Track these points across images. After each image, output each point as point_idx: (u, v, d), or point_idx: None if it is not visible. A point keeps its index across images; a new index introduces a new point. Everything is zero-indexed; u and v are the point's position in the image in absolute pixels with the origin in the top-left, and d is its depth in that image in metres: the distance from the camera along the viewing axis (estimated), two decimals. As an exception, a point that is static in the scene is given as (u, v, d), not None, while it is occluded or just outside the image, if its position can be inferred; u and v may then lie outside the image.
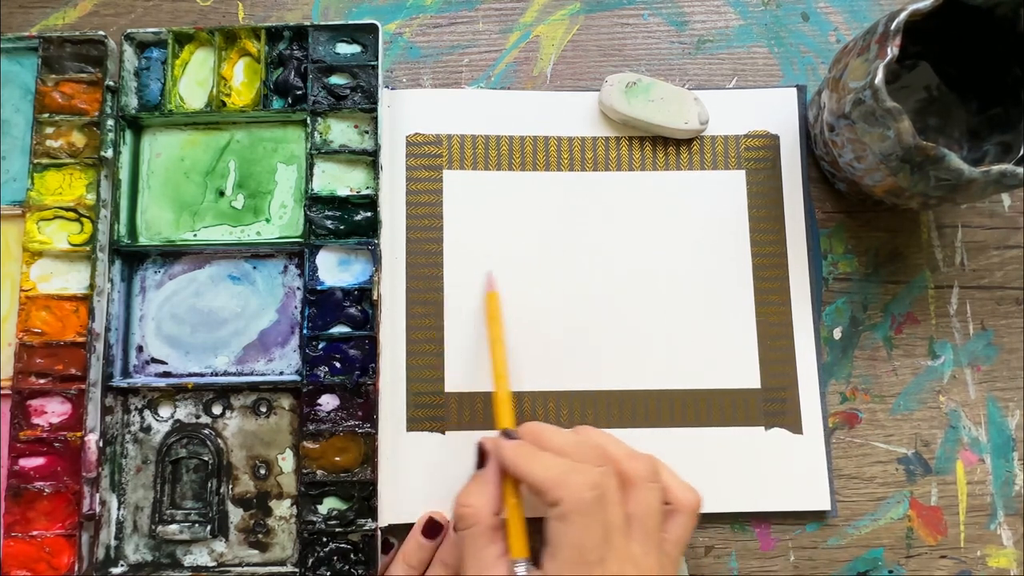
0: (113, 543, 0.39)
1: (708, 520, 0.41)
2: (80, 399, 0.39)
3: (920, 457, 0.42)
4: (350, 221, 0.41)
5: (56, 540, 0.38)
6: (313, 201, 0.41)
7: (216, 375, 0.41)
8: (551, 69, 0.45)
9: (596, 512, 0.30)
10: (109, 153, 0.41)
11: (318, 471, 0.39)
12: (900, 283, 0.43)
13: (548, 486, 0.31)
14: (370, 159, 0.41)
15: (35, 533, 0.38)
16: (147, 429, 0.40)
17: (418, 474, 0.40)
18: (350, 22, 0.42)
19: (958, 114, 0.42)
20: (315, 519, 0.38)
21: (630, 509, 0.31)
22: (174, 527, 0.39)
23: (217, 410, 0.41)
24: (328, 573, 0.38)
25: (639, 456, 0.33)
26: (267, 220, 0.42)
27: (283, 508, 0.40)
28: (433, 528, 0.39)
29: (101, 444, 0.39)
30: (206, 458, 0.40)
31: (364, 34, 0.42)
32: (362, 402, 0.39)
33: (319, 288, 0.40)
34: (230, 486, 0.40)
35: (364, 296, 0.40)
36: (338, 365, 0.40)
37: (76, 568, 0.37)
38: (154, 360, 0.41)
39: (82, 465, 0.38)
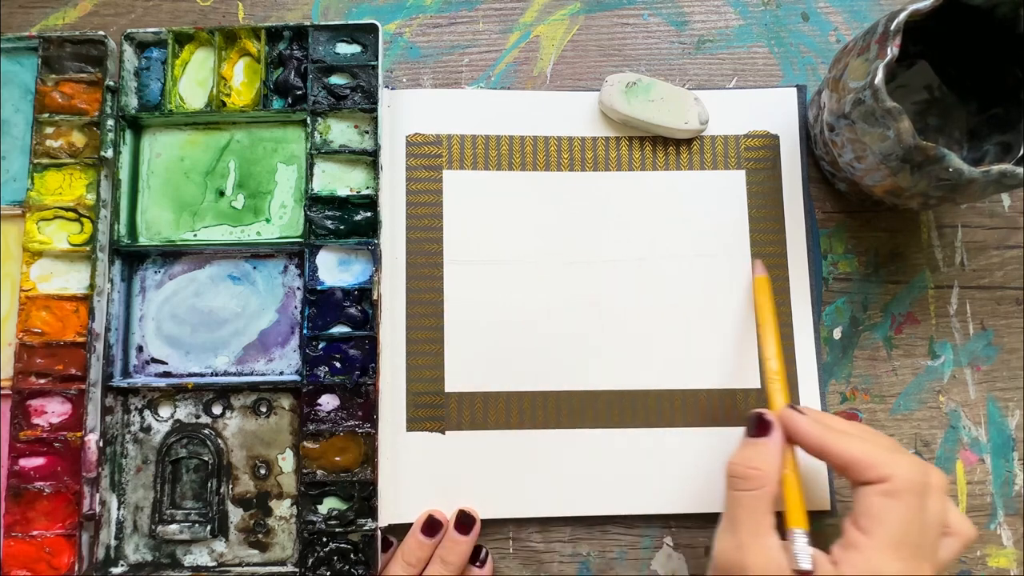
0: (113, 543, 0.39)
1: (708, 520, 0.41)
2: (80, 399, 0.39)
3: (920, 457, 0.42)
4: (350, 221, 0.41)
5: (56, 540, 0.38)
6: (313, 201, 0.41)
7: (216, 375, 0.41)
8: (551, 69, 0.45)
9: (922, 498, 0.31)
10: (109, 153, 0.41)
11: (318, 471, 0.39)
12: (900, 283, 0.43)
13: (874, 463, 0.31)
14: (370, 159, 0.41)
15: (35, 533, 0.38)
16: (147, 429, 0.40)
17: (418, 474, 0.40)
18: (350, 22, 0.42)
19: (958, 114, 0.42)
20: (315, 519, 0.38)
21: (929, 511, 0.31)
22: (174, 527, 0.39)
23: (217, 410, 0.41)
24: (328, 573, 0.38)
25: (933, 465, 0.33)
26: (267, 220, 0.42)
27: (283, 508, 0.40)
28: (433, 526, 0.39)
29: (101, 444, 0.39)
30: (206, 458, 0.40)
31: (364, 34, 0.42)
32: (362, 402, 0.39)
33: (319, 288, 0.40)
34: (230, 486, 0.40)
35: (364, 296, 0.40)
36: (338, 365, 0.40)
37: (76, 568, 0.37)
38: (154, 360, 0.41)
39: (82, 465, 0.38)
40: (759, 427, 0.34)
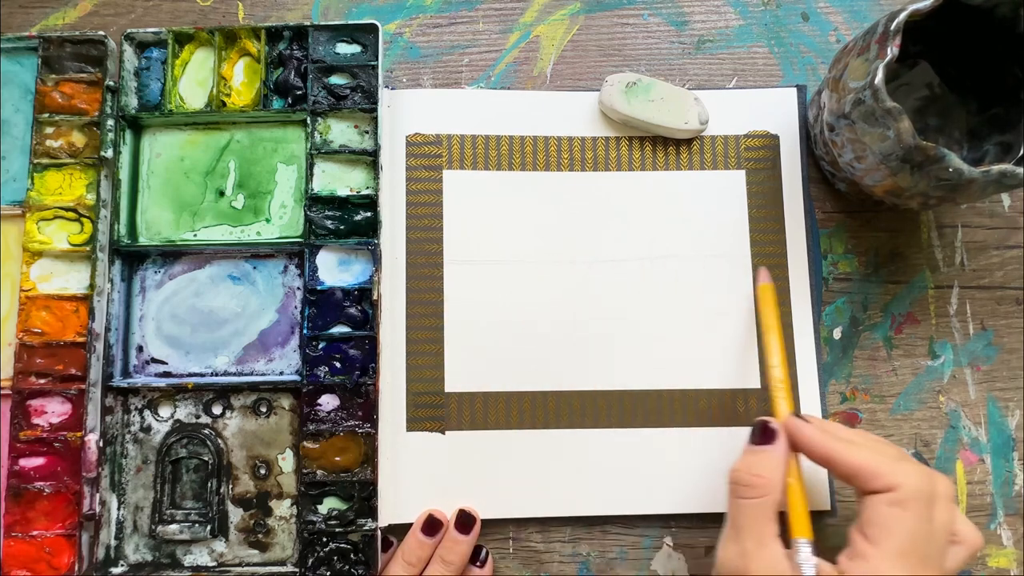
0: (113, 543, 0.39)
1: (708, 520, 0.41)
2: (80, 399, 0.39)
3: (920, 457, 0.42)
4: (350, 221, 0.41)
5: (56, 540, 0.38)
6: (313, 201, 0.41)
7: (216, 375, 0.41)
8: (551, 69, 0.45)
9: (929, 507, 0.30)
10: (109, 153, 0.41)
11: (318, 471, 0.39)
12: (900, 283, 0.43)
13: (881, 472, 0.31)
14: (370, 159, 0.41)
15: (35, 533, 0.38)
16: (147, 429, 0.40)
17: (418, 474, 0.40)
18: (350, 22, 0.42)
19: (958, 114, 0.42)
20: (315, 519, 0.38)
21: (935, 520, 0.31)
22: (174, 527, 0.39)
23: (217, 410, 0.41)
24: (328, 573, 0.38)
25: (940, 473, 0.33)
26: (267, 220, 0.42)
27: (283, 508, 0.40)
28: (433, 525, 0.39)
29: (101, 444, 0.39)
30: (206, 458, 0.40)
31: (364, 34, 0.42)
32: (362, 402, 0.39)
33: (319, 288, 0.40)
34: (230, 486, 0.40)
35: (364, 296, 0.40)
36: (338, 365, 0.40)
37: (76, 568, 0.37)
38: (154, 360, 0.41)
39: (82, 465, 0.38)
40: (763, 435, 0.34)
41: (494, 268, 0.42)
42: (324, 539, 0.38)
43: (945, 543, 0.31)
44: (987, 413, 0.42)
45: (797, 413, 0.35)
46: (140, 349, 0.41)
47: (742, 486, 0.33)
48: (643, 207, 0.43)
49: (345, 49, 0.42)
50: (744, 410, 0.41)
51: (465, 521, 0.39)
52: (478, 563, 0.39)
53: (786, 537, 0.32)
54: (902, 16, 0.35)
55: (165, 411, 0.41)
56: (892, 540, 0.30)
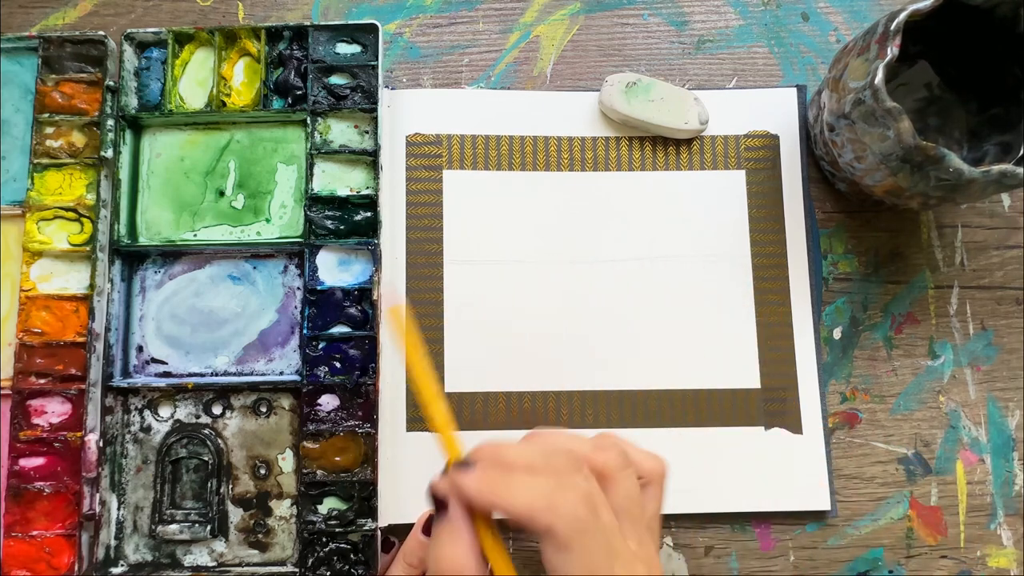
0: (113, 543, 0.39)
1: (708, 520, 0.41)
2: (80, 399, 0.39)
3: (920, 457, 0.42)
4: (350, 221, 0.41)
5: (56, 540, 0.38)
6: (313, 201, 0.41)
7: (216, 375, 0.41)
8: (551, 69, 0.45)
9: (594, 526, 0.27)
10: (109, 153, 0.41)
11: (318, 471, 0.39)
12: (900, 283, 0.43)
13: (536, 513, 0.26)
14: (370, 159, 0.41)
15: (35, 533, 0.38)
16: (147, 429, 0.40)
17: (418, 474, 0.40)
18: (350, 22, 0.42)
19: (958, 114, 0.42)
20: (315, 519, 0.38)
21: (615, 504, 0.28)
22: (174, 527, 0.39)
23: (217, 410, 0.41)
24: (328, 573, 0.38)
25: (604, 445, 0.30)
26: (267, 220, 0.42)
27: (283, 508, 0.40)
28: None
29: (101, 444, 0.39)
30: (206, 458, 0.40)
31: (364, 34, 0.42)
32: (362, 402, 0.39)
33: (319, 288, 0.40)
34: (230, 486, 0.40)
35: (364, 296, 0.40)
36: (338, 365, 0.40)
37: (76, 568, 0.37)
38: (154, 360, 0.41)
39: (82, 465, 0.38)
40: (436, 505, 0.29)
41: (494, 268, 0.42)
42: (324, 539, 0.38)
43: (634, 518, 0.28)
44: (987, 413, 0.42)
45: (459, 461, 0.29)
46: (140, 349, 0.41)
47: None
48: (643, 207, 0.43)
49: (345, 49, 0.42)
50: (744, 410, 0.41)
51: None
52: None
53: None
54: (902, 16, 0.35)
55: (165, 411, 0.41)
56: None
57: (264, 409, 0.40)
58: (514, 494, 0.27)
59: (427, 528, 0.38)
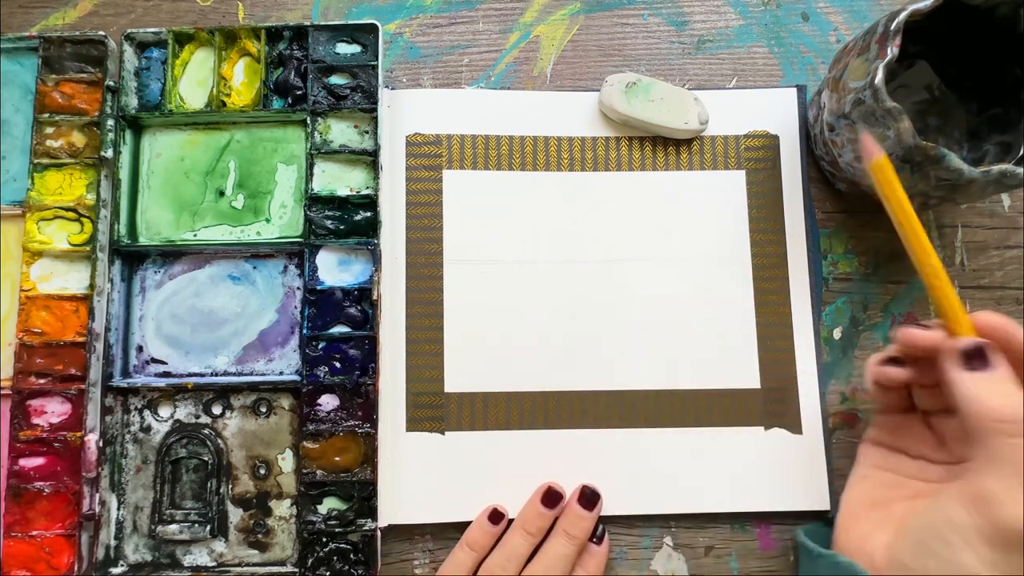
0: (113, 543, 0.39)
1: (708, 520, 0.41)
2: (80, 399, 0.39)
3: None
4: (350, 221, 0.41)
5: (56, 540, 0.38)
6: (313, 201, 0.41)
7: (216, 375, 0.41)
8: (551, 69, 0.45)
9: None
10: (109, 153, 0.41)
11: (318, 471, 0.39)
12: (900, 283, 0.43)
13: None
14: (370, 159, 0.41)
15: (35, 533, 0.38)
16: (147, 429, 0.40)
17: (418, 474, 0.40)
18: (350, 22, 0.42)
19: (958, 114, 0.42)
20: (315, 519, 0.38)
21: None
22: (174, 527, 0.39)
23: (217, 410, 0.41)
24: (328, 573, 0.38)
25: None
26: (267, 220, 0.42)
27: (283, 508, 0.40)
28: (553, 498, 0.39)
29: (101, 444, 0.39)
30: (206, 458, 0.40)
31: (364, 34, 0.42)
32: (362, 402, 0.39)
33: (319, 288, 0.40)
34: (230, 486, 0.40)
35: (364, 296, 0.40)
36: (338, 365, 0.40)
37: (76, 568, 0.37)
38: (154, 360, 0.41)
39: (82, 465, 0.38)
40: (978, 358, 0.30)
41: (494, 268, 0.42)
42: (324, 539, 0.38)
43: None
44: (987, 413, 0.42)
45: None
46: (140, 349, 0.41)
47: (1014, 422, 0.28)
48: (643, 207, 0.43)
49: (345, 49, 0.42)
50: (744, 410, 0.41)
51: (589, 497, 0.39)
52: (595, 539, 0.39)
53: None
54: (902, 16, 0.35)
55: (165, 411, 0.41)
56: None
57: (264, 409, 0.40)
58: None
59: (546, 500, 0.39)
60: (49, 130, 0.41)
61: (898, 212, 0.33)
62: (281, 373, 0.41)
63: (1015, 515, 0.27)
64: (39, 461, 0.38)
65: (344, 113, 0.42)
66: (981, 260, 0.44)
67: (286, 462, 0.40)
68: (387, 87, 0.44)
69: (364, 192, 0.41)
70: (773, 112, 0.44)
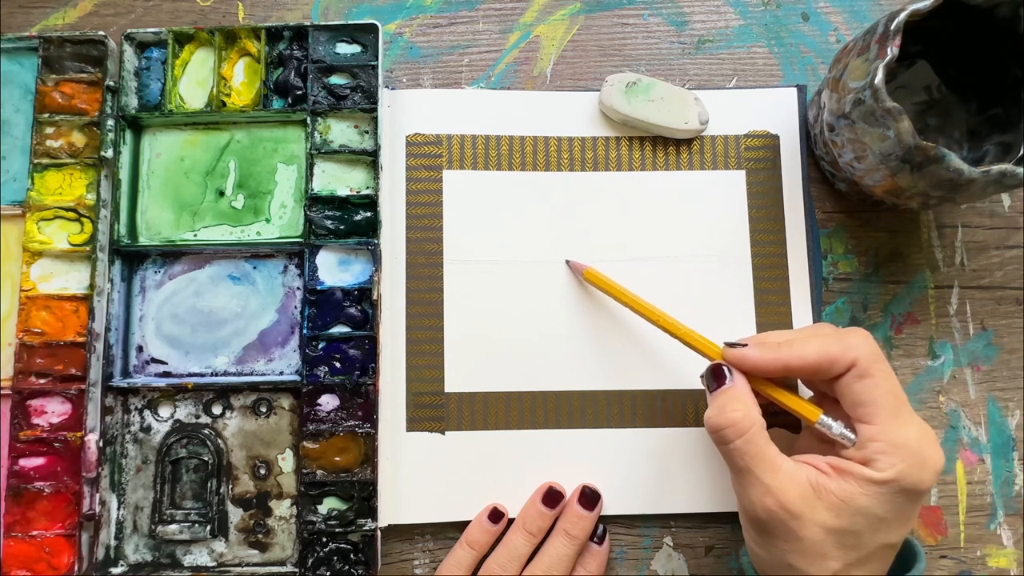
0: (113, 543, 0.39)
1: (708, 520, 0.41)
2: (80, 399, 0.39)
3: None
4: (350, 221, 0.41)
5: (56, 540, 0.38)
6: (313, 201, 0.41)
7: (216, 375, 0.41)
8: (551, 69, 0.45)
9: (885, 361, 0.32)
10: (109, 153, 0.41)
11: (318, 471, 0.39)
12: (900, 283, 0.43)
13: (834, 356, 0.32)
14: (370, 159, 0.41)
15: (35, 533, 0.38)
16: (147, 429, 0.40)
17: (418, 474, 0.40)
18: (350, 22, 0.42)
19: (958, 114, 0.42)
20: (315, 519, 0.38)
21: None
22: (174, 527, 0.39)
23: (217, 410, 0.41)
24: (328, 573, 0.38)
25: (861, 329, 0.34)
26: (267, 220, 0.42)
27: (283, 508, 0.40)
28: (553, 498, 0.39)
29: (101, 444, 0.39)
30: (206, 458, 0.40)
31: (364, 34, 0.42)
32: (362, 402, 0.39)
33: (319, 288, 0.40)
34: (230, 486, 0.40)
35: (364, 296, 0.40)
36: (338, 365, 0.40)
37: (76, 568, 0.38)
38: (154, 360, 0.41)
39: (82, 465, 0.38)
40: (716, 377, 0.35)
41: (494, 268, 0.42)
42: (324, 539, 0.38)
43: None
44: (987, 413, 0.42)
45: (729, 342, 0.35)
46: (140, 349, 0.41)
47: (725, 429, 0.33)
48: (643, 207, 0.43)
49: (345, 49, 0.42)
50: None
51: (590, 497, 0.39)
52: (595, 539, 0.39)
53: (789, 446, 0.34)
54: (902, 16, 0.35)
55: (165, 411, 0.41)
56: (882, 407, 0.31)
57: (264, 409, 0.40)
58: (801, 352, 0.33)
59: (547, 499, 0.39)
60: (49, 130, 0.41)
61: (626, 301, 0.39)
62: (281, 373, 0.41)
63: (747, 508, 0.32)
64: (39, 461, 0.38)
65: (344, 113, 0.42)
66: (981, 260, 0.44)
67: (286, 462, 0.40)
68: (387, 87, 0.44)
69: (364, 192, 0.41)
70: (773, 112, 0.44)
